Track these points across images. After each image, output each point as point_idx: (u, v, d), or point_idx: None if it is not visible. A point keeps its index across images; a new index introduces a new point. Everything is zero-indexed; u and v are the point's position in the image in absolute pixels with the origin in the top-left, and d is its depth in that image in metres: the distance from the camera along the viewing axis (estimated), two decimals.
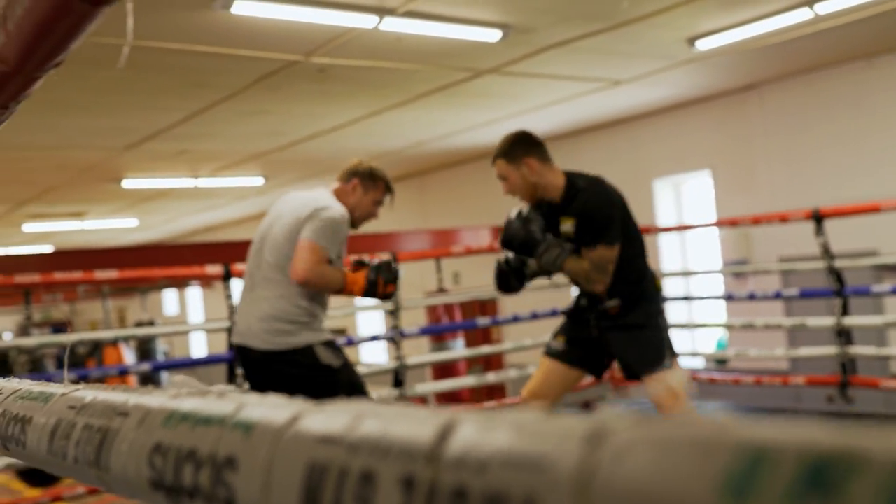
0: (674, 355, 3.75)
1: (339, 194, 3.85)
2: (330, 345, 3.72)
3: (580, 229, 3.67)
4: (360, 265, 3.84)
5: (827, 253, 6.06)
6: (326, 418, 0.55)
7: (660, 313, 3.79)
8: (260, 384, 3.78)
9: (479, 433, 0.44)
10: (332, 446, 0.52)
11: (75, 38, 0.84)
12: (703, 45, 6.83)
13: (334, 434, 0.53)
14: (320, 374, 3.64)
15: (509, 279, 3.96)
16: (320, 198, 3.75)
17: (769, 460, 0.32)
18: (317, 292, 3.69)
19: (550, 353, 3.94)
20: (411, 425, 0.49)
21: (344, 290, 3.69)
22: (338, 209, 3.69)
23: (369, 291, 3.75)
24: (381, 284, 3.77)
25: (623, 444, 0.37)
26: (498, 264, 3.98)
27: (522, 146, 3.73)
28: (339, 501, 0.49)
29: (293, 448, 0.55)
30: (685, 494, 0.33)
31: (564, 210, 3.72)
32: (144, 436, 0.71)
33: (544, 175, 3.72)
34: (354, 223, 3.87)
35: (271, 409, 0.60)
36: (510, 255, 3.91)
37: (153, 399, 0.75)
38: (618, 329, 3.76)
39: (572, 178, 3.76)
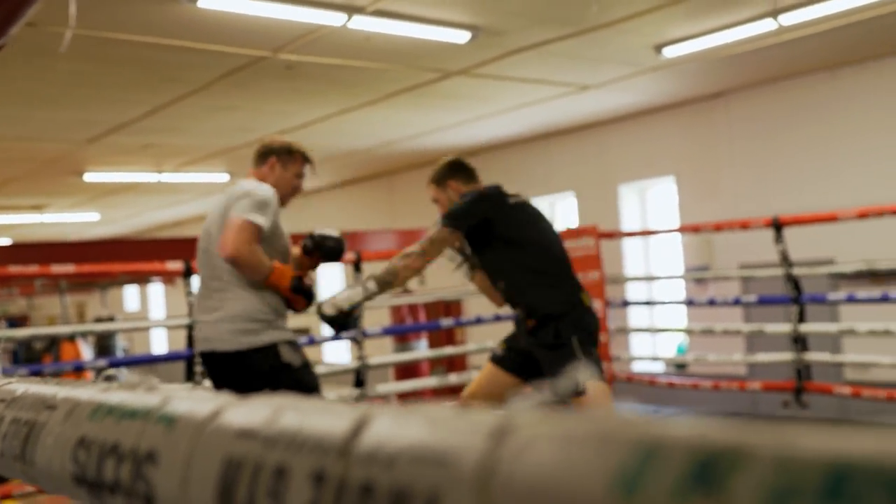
0: (588, 376, 3.67)
1: (259, 177, 3.76)
2: (292, 344, 3.67)
3: None
4: (308, 249, 3.83)
5: (785, 260, 6.14)
6: (248, 412, 0.54)
7: (574, 332, 3.73)
8: (226, 388, 3.72)
9: (391, 427, 0.44)
10: (250, 440, 0.51)
11: (15, 23, 0.82)
12: (670, 52, 6.88)
13: (253, 428, 0.52)
14: (282, 373, 3.59)
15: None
16: (242, 184, 3.69)
17: (660, 456, 0.32)
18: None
19: (492, 357, 4.08)
20: (328, 419, 0.48)
21: (271, 276, 3.55)
22: (263, 187, 3.60)
23: (296, 287, 3.61)
24: (311, 286, 3.69)
25: (525, 439, 0.37)
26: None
27: (448, 171, 4.02)
28: (253, 496, 0.49)
29: (212, 442, 0.54)
30: (579, 490, 0.33)
31: None
32: (70, 429, 0.70)
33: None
34: (282, 201, 3.74)
35: (196, 402, 0.60)
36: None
37: (82, 392, 0.74)
38: (537, 346, 3.82)
39: None
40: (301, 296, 3.65)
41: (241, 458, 0.50)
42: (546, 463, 0.35)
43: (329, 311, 3.66)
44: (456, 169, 4.04)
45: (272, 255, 3.59)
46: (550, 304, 3.76)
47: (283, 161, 3.79)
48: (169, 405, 0.63)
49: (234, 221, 3.46)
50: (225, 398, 0.59)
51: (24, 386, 0.86)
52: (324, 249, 3.90)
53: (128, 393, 0.69)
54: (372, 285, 3.68)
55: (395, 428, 0.44)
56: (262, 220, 3.48)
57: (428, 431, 0.42)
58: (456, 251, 4.09)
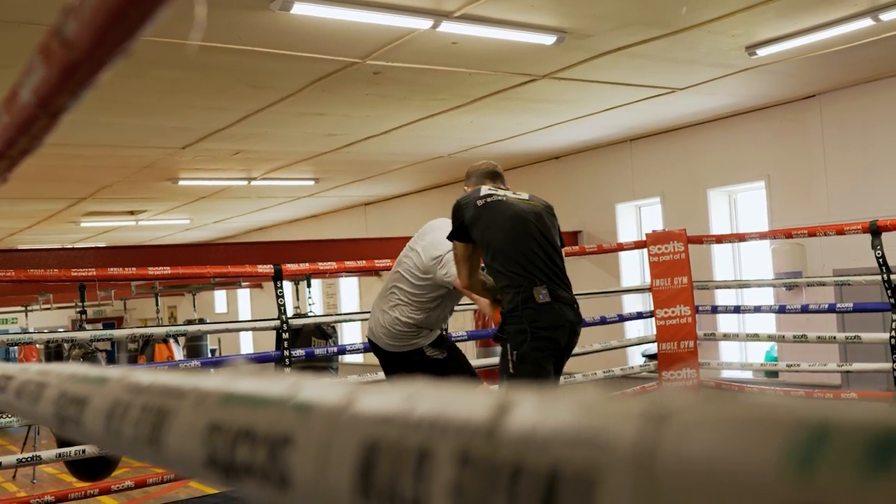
0: (509, 379, 3.86)
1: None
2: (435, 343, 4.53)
3: None
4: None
5: (883, 266, 5.95)
6: (386, 398, 0.55)
7: (510, 331, 3.90)
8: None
9: (537, 410, 0.44)
10: (390, 425, 0.52)
11: (145, 26, 0.85)
12: (761, 53, 6.74)
13: (392, 412, 0.53)
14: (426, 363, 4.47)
15: None
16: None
17: (834, 435, 0.31)
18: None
19: None
20: (469, 403, 0.49)
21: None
22: None
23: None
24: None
25: (686, 421, 0.37)
26: None
27: (467, 176, 4.51)
28: (395, 477, 0.49)
29: (351, 426, 0.55)
30: (750, 470, 0.33)
31: None
32: (201, 415, 0.72)
33: None
34: None
35: (329, 389, 0.61)
36: None
37: (210, 380, 0.76)
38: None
39: None
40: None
41: (381, 442, 0.51)
42: (712, 444, 0.34)
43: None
44: (469, 174, 4.50)
45: None
46: (507, 301, 3.99)
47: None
48: (300, 393, 0.64)
49: (449, 256, 4.32)
50: (359, 385, 0.60)
51: (149, 376, 0.89)
52: None
53: (257, 381, 0.71)
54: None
55: (542, 411, 0.44)
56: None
57: (578, 415, 0.42)
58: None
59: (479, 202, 4.08)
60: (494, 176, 4.39)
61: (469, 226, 4.06)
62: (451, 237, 4.14)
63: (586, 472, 0.38)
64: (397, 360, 4.48)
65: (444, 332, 4.56)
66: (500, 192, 4.17)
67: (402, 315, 4.40)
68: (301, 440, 0.59)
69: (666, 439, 0.36)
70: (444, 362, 4.43)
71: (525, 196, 4.24)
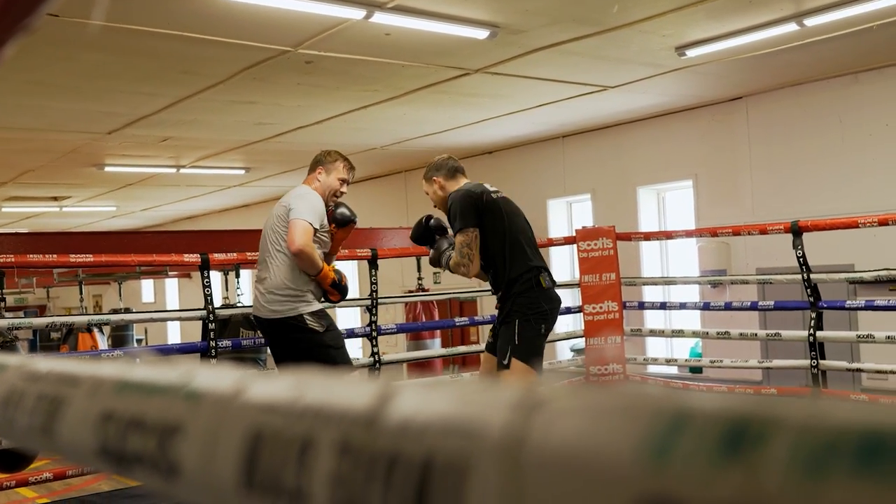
0: (519, 355, 4.23)
1: (309, 183, 4.78)
2: (316, 314, 4.63)
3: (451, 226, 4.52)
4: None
5: (804, 266, 6.11)
6: (272, 387, 0.55)
7: (521, 311, 4.29)
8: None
9: (416, 401, 0.44)
10: (275, 414, 0.52)
11: (47, 1, 0.83)
12: (691, 53, 6.86)
13: (277, 402, 0.52)
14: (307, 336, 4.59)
15: (421, 234, 4.80)
16: (298, 189, 4.76)
17: (689, 424, 0.32)
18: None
19: (487, 346, 4.75)
20: (352, 393, 0.49)
21: (319, 274, 4.56)
22: (314, 195, 4.65)
23: (334, 284, 4.66)
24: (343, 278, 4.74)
25: (554, 411, 0.37)
26: (420, 220, 4.81)
27: (433, 169, 4.65)
28: (278, 466, 0.49)
29: (237, 416, 0.55)
30: (611, 458, 0.33)
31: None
32: (95, 404, 0.70)
33: (447, 190, 4.57)
34: (327, 201, 4.73)
35: (219, 378, 0.60)
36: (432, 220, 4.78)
37: (105, 369, 0.75)
38: (499, 324, 4.44)
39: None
40: (336, 290, 4.66)
41: (265, 431, 0.50)
42: (576, 433, 0.35)
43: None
44: (439, 166, 4.63)
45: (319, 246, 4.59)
46: (510, 285, 4.32)
47: (328, 169, 4.77)
48: (193, 381, 0.63)
49: (299, 223, 4.44)
50: (247, 375, 0.60)
51: (48, 364, 0.87)
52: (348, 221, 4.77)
53: (152, 370, 0.69)
54: (444, 258, 4.57)
55: (421, 401, 0.44)
56: (316, 224, 4.52)
57: (454, 405, 0.42)
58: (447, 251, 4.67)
59: (493, 195, 4.47)
60: (463, 171, 4.70)
61: (482, 215, 4.36)
62: (467, 225, 4.34)
63: (458, 461, 0.39)
64: (280, 331, 4.62)
65: (325, 310, 4.72)
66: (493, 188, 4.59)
67: (278, 277, 4.56)
68: (190, 429, 0.58)
69: (534, 428, 0.37)
70: (322, 336, 4.57)
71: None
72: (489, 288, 4.71)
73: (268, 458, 0.49)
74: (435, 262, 4.73)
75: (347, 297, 4.98)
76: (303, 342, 4.58)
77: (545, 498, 0.35)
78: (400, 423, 0.43)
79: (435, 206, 4.74)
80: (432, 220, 4.76)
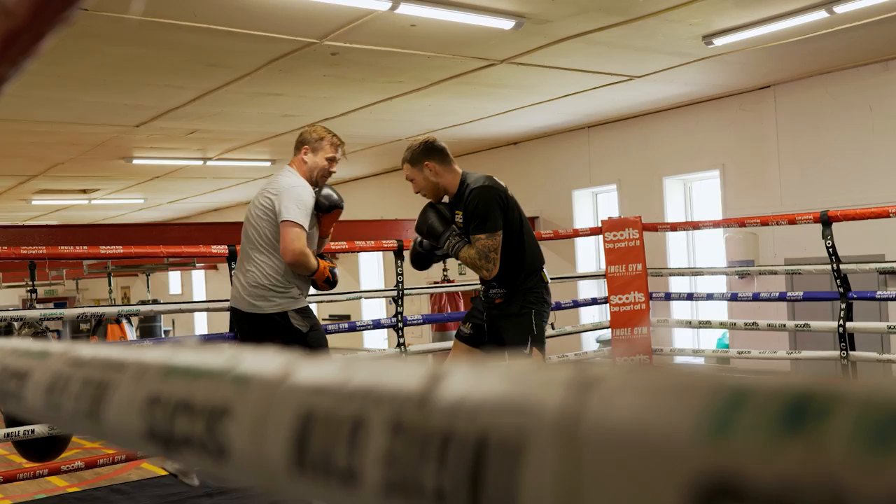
0: (538, 344, 4.24)
1: (296, 164, 4.39)
2: (301, 311, 4.32)
3: (466, 221, 4.23)
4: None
5: (833, 256, 6.05)
6: (320, 369, 0.56)
7: (535, 304, 4.26)
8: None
9: (467, 381, 0.45)
10: (325, 396, 0.52)
11: (73, 8, 0.84)
12: (718, 42, 6.80)
13: (327, 383, 0.53)
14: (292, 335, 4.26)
15: (420, 259, 4.57)
16: (281, 179, 4.33)
17: (749, 401, 0.32)
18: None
19: (459, 336, 4.56)
20: (402, 375, 0.49)
21: (315, 274, 4.27)
22: (302, 189, 4.26)
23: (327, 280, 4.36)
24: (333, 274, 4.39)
25: (610, 389, 0.38)
26: (413, 245, 4.61)
27: (424, 152, 4.32)
28: (329, 446, 0.50)
29: (287, 398, 0.55)
30: (670, 434, 0.34)
31: (457, 205, 4.30)
32: (141, 389, 0.72)
33: (443, 176, 4.27)
34: (317, 182, 4.37)
35: (266, 362, 0.61)
36: (423, 239, 4.53)
37: (151, 354, 0.76)
38: (502, 317, 4.30)
39: (465, 177, 4.29)
40: (328, 284, 4.38)
41: (315, 412, 0.51)
42: (633, 410, 0.35)
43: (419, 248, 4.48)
44: (432, 149, 4.31)
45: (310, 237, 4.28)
46: (526, 281, 4.25)
47: (314, 148, 4.38)
48: (240, 365, 0.64)
49: (291, 230, 4.11)
50: (294, 358, 0.60)
51: (91, 350, 0.89)
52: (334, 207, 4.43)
53: (197, 354, 0.70)
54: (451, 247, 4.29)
55: (473, 381, 0.44)
56: (306, 223, 4.18)
57: (507, 384, 0.42)
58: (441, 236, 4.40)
59: (508, 192, 4.29)
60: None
61: (503, 216, 4.20)
62: (496, 228, 4.13)
63: (513, 439, 0.39)
64: (258, 327, 4.27)
65: (309, 308, 4.39)
66: None
67: (263, 271, 4.23)
68: (238, 411, 0.59)
69: (590, 406, 0.37)
70: (304, 336, 4.22)
71: None
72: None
73: (319, 438, 0.50)
74: (448, 250, 4.37)
75: (374, 289, 4.86)
76: (282, 342, 4.14)
77: (603, 475, 0.35)
78: (453, 402, 0.43)
79: (418, 193, 4.42)
80: (423, 243, 4.50)
